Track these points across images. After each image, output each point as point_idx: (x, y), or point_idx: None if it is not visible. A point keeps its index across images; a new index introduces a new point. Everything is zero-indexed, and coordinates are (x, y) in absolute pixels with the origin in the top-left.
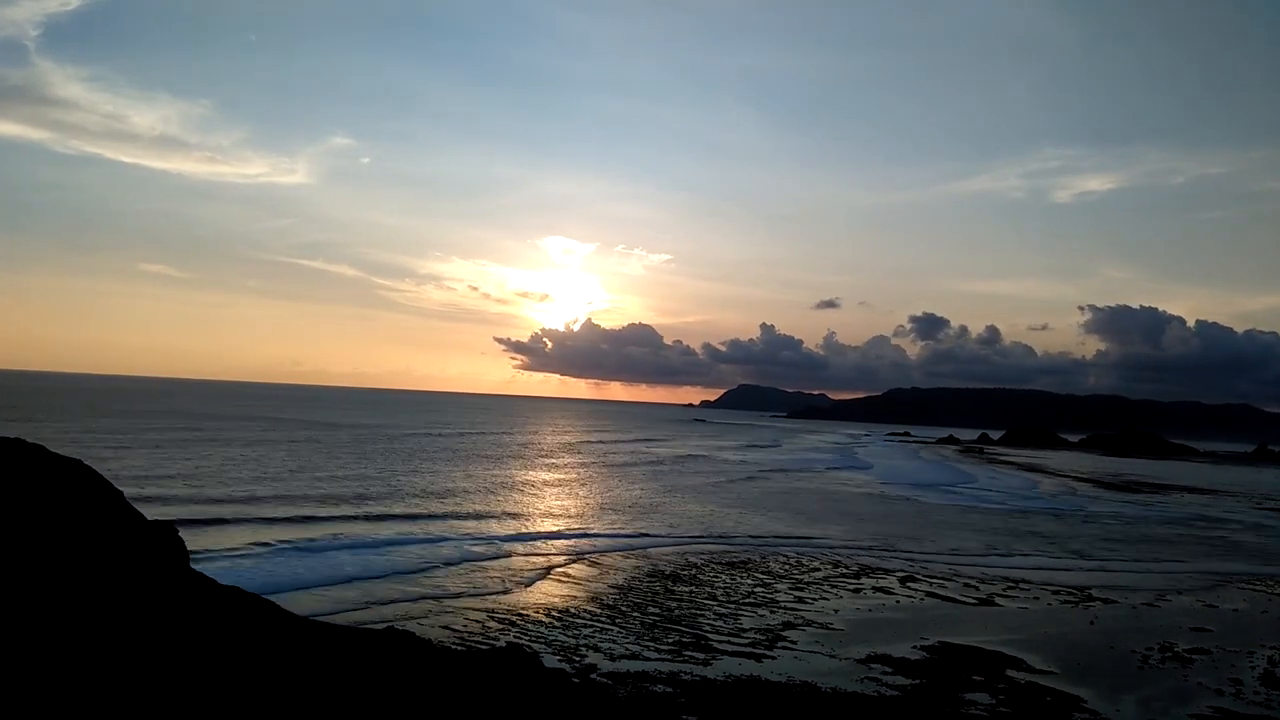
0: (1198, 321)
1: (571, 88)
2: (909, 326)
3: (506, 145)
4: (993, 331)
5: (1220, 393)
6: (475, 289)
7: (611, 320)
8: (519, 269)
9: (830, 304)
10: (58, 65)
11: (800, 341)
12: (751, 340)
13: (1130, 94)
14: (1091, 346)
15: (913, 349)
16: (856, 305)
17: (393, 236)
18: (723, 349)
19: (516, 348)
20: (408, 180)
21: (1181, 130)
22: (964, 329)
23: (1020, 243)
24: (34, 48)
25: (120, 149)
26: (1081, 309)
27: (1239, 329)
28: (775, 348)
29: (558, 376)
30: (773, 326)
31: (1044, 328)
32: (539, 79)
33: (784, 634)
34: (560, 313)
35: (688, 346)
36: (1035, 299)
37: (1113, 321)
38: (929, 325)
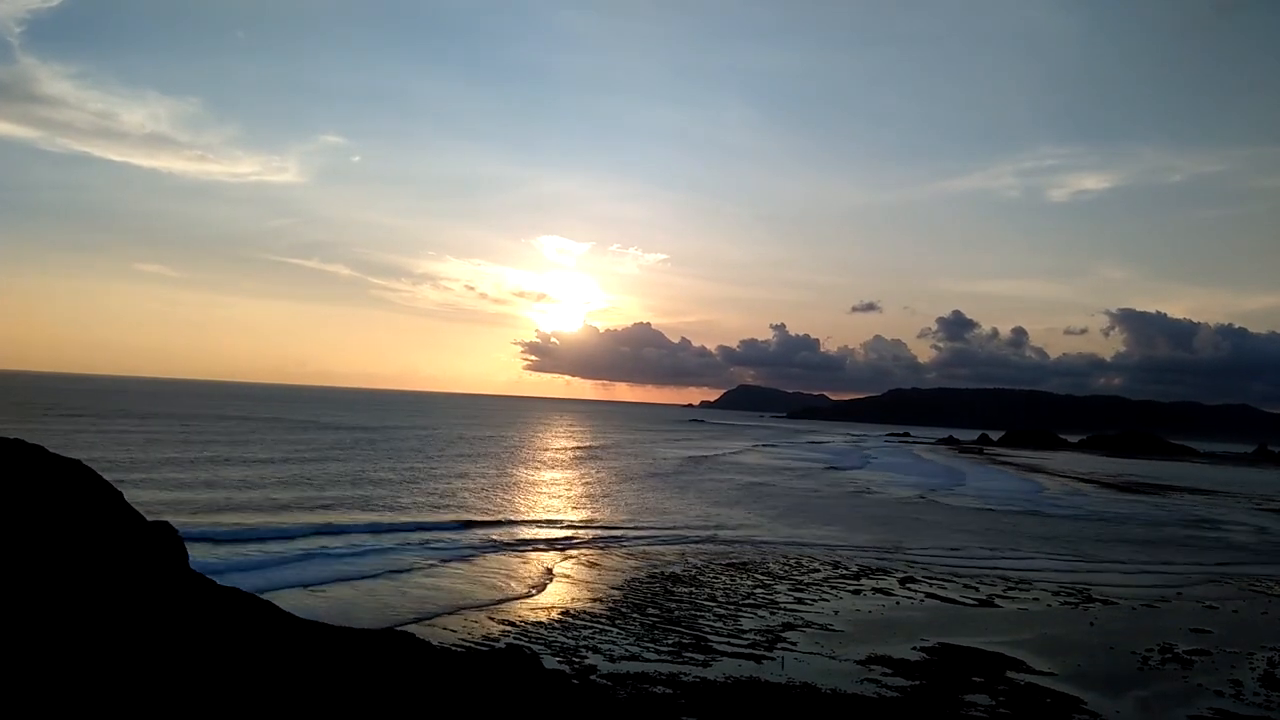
0: (1219, 325)
1: (563, 85)
2: (935, 328)
3: (498, 143)
4: (1019, 333)
5: (1229, 394)
6: (471, 288)
7: (610, 320)
8: (515, 268)
9: (871, 307)
10: (43, 62)
11: (817, 342)
12: (766, 341)
13: (1126, 91)
14: (1113, 349)
15: (927, 351)
16: (900, 309)
17: (386, 236)
18: (738, 349)
19: (531, 349)
20: (400, 179)
21: (1178, 128)
22: (995, 331)
23: (1017, 242)
24: (19, 45)
25: (109, 147)
26: (1093, 314)
27: (1248, 329)
28: (791, 349)
29: (564, 378)
30: (784, 326)
31: (1082, 331)
32: (530, 76)
33: (784, 635)
34: (558, 312)
35: (703, 347)
36: (1039, 300)
37: (1135, 325)
38: (956, 327)
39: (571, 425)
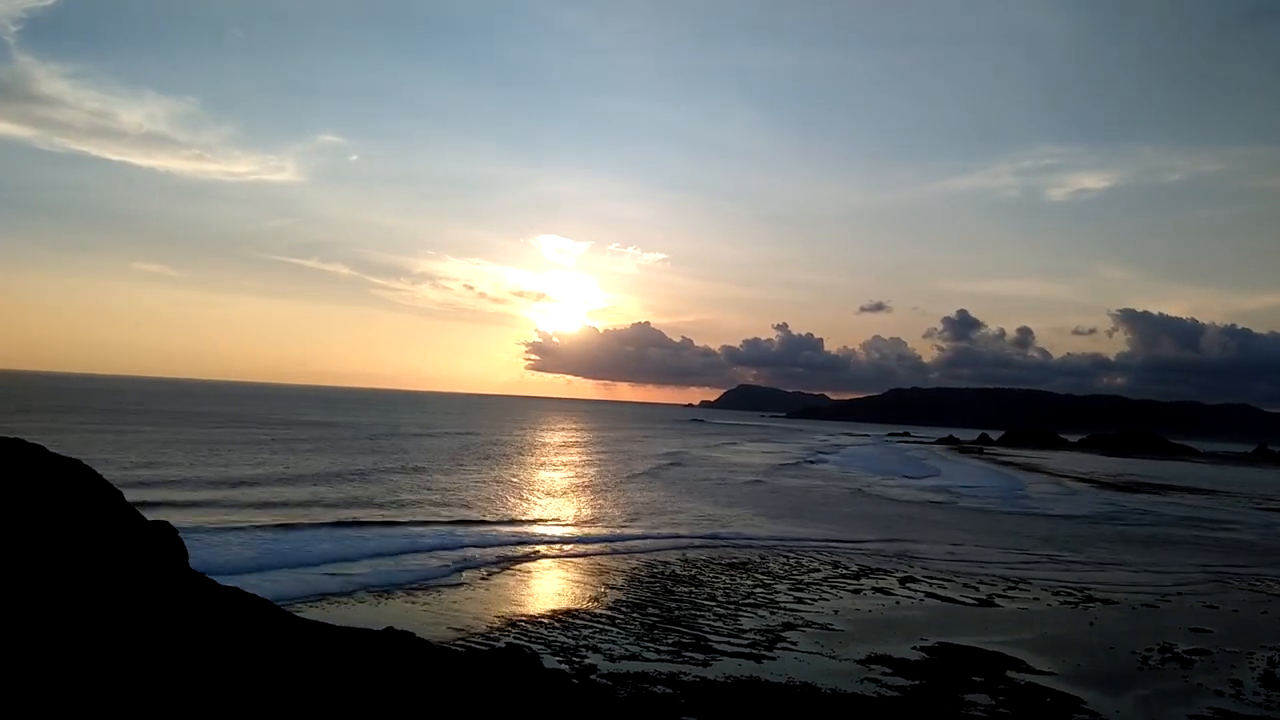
0: (1224, 326)
1: (562, 85)
2: (940, 328)
3: (497, 143)
4: (1025, 333)
5: (1230, 394)
6: (471, 288)
7: (610, 319)
8: (514, 268)
9: (880, 307)
10: (40, 62)
11: (821, 341)
12: (769, 341)
13: (1125, 90)
14: (1120, 349)
15: (930, 351)
16: (909, 310)
17: (385, 235)
18: (740, 349)
19: (534, 348)
20: (398, 178)
21: (1178, 128)
22: (1002, 331)
23: (1022, 242)
24: (15, 44)
25: (107, 147)
26: (1100, 315)
27: (1252, 330)
28: (795, 349)
29: (566, 377)
30: (786, 326)
31: (1091, 331)
32: (530, 76)
33: (784, 635)
34: (557, 312)
35: (706, 347)
36: (1046, 300)
37: (1142, 326)
38: (962, 326)
39: (601, 428)
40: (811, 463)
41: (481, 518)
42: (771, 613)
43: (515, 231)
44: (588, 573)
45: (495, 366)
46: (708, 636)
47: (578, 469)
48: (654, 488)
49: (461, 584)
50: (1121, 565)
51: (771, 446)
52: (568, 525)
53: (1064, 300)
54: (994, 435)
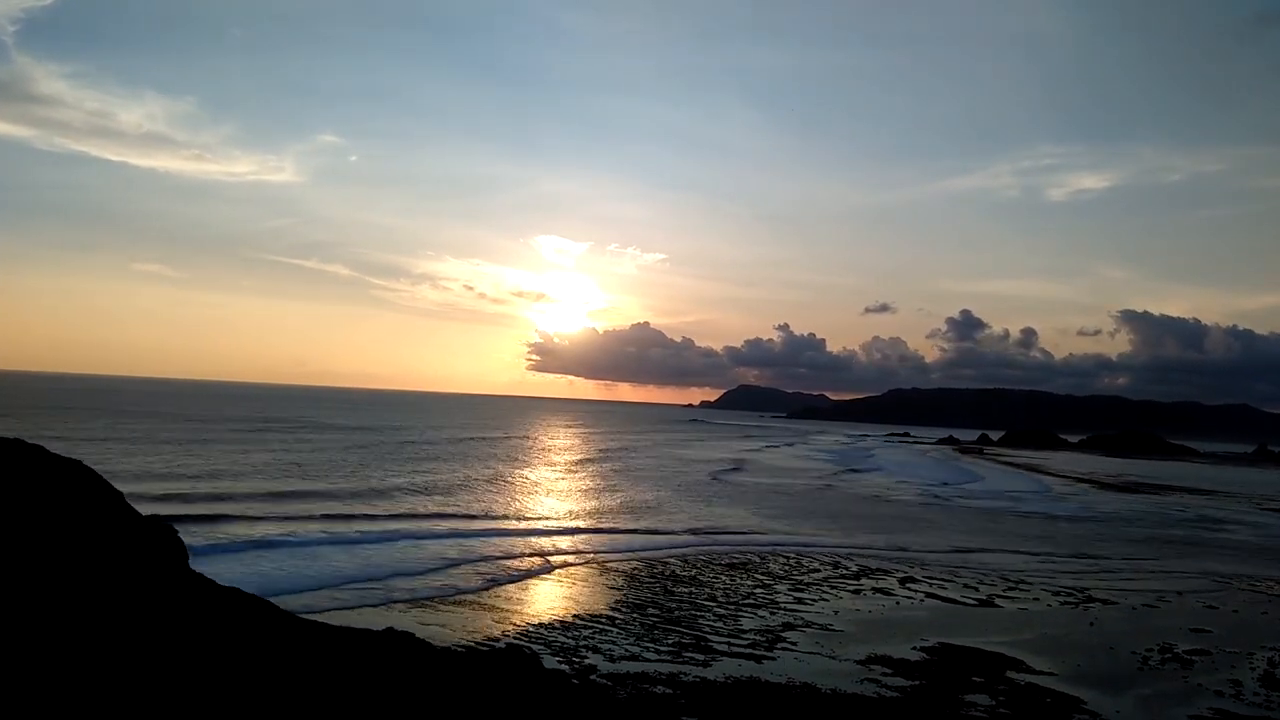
0: (1227, 326)
1: (562, 85)
2: (944, 328)
3: (497, 143)
4: (1029, 334)
5: (1231, 394)
6: (470, 288)
7: (610, 320)
8: (514, 268)
9: (885, 308)
10: (38, 62)
11: (823, 341)
12: (770, 341)
13: (1125, 90)
14: (1124, 350)
15: (933, 351)
16: (914, 311)
17: (385, 236)
18: (742, 349)
19: (536, 349)
20: (397, 178)
21: (1178, 128)
22: (1006, 332)
23: (1025, 243)
24: (13, 44)
25: (106, 147)
26: (1104, 316)
27: (1254, 330)
28: (797, 349)
29: (567, 377)
30: (788, 326)
31: (1096, 332)
32: (529, 76)
33: (784, 635)
34: (557, 312)
35: (708, 348)
36: (1050, 301)
37: (1146, 327)
38: (965, 327)
39: (624, 431)
40: (864, 470)
41: (521, 527)
42: (771, 613)
43: (515, 232)
44: (589, 571)
45: (495, 367)
46: (708, 637)
47: (643, 477)
48: (739, 496)
49: (477, 590)
50: (1121, 565)
51: (805, 450)
52: (666, 533)
53: (1065, 300)
54: (994, 436)
